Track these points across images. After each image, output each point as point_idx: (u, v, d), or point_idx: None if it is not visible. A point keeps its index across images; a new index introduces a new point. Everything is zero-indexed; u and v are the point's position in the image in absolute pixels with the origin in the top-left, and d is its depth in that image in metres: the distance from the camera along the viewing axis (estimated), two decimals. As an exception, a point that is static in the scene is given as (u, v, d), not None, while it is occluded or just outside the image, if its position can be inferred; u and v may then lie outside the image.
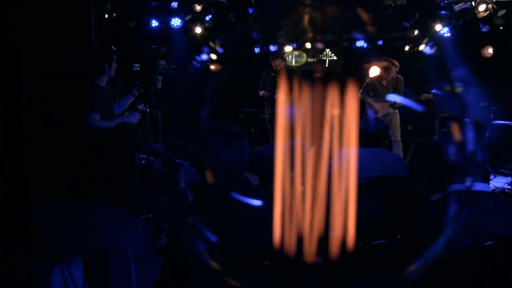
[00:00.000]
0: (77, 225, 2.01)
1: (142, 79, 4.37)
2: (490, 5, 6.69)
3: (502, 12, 6.96)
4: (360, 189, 2.87)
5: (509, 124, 8.16)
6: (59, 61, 4.45)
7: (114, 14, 6.93)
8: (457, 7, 6.80)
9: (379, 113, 7.39)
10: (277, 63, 6.18)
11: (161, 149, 4.30)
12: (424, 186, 3.28)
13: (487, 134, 7.97)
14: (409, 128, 9.45)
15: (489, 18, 7.56)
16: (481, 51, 8.98)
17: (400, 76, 7.47)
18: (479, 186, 2.26)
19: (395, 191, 3.18)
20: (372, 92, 7.50)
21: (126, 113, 4.52)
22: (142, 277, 1.87)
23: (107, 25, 6.87)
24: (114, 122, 4.18)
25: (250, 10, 7.98)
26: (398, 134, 7.47)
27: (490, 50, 8.87)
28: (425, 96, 7.50)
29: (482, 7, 6.64)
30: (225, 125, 2.06)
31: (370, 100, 7.46)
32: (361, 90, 7.53)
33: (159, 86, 4.38)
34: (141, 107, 4.36)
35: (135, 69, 4.38)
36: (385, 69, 7.31)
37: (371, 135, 3.50)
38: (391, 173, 3.32)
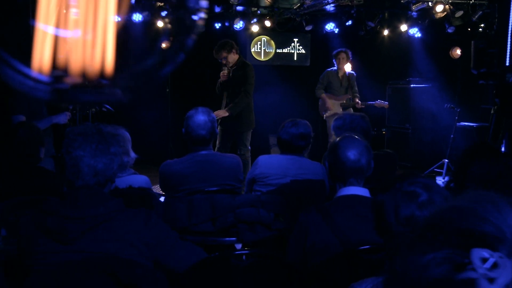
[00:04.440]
0: None
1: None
2: (447, 6, 6.62)
3: (459, 13, 6.89)
4: (262, 196, 2.75)
5: (473, 125, 8.11)
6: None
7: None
8: (415, 8, 6.73)
9: (329, 112, 7.31)
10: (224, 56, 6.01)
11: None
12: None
13: (452, 136, 7.91)
14: (383, 132, 9.43)
15: (461, 19, 7.50)
16: (449, 52, 8.92)
17: (352, 72, 7.41)
18: (358, 191, 2.19)
19: (306, 195, 3.11)
20: (327, 87, 7.43)
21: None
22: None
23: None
24: (41, 123, 4.10)
25: (217, 9, 7.89)
26: None
27: (458, 51, 8.81)
28: (380, 104, 7.52)
29: (439, 8, 6.57)
30: (86, 126, 1.97)
31: (324, 95, 7.37)
32: (317, 86, 7.48)
33: (91, 84, 4.28)
34: (71, 106, 4.27)
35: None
36: (334, 57, 7.28)
37: (288, 143, 3.43)
38: (306, 178, 3.25)
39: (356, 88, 7.46)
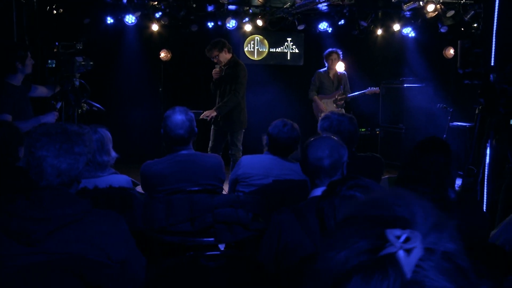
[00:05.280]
0: None
1: (58, 77, 4.27)
2: (438, 6, 6.61)
3: (451, 13, 6.88)
4: (241, 197, 2.74)
5: (466, 125, 8.09)
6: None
7: (61, 10, 6.80)
8: (406, 7, 6.71)
9: (324, 113, 7.32)
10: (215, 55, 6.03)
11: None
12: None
13: (444, 136, 7.90)
14: (377, 132, 9.42)
15: (452, 19, 7.47)
16: (443, 52, 8.90)
17: (343, 72, 7.42)
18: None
19: (288, 195, 3.09)
20: (319, 88, 7.43)
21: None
22: None
23: (53, 21, 6.75)
24: (28, 123, 4.08)
25: (209, 8, 7.87)
26: None
27: (452, 51, 8.80)
28: (371, 90, 7.54)
29: (430, 7, 6.55)
30: (50, 126, 1.95)
31: (316, 98, 7.38)
32: (310, 87, 7.48)
33: (77, 83, 4.27)
34: (58, 105, 4.25)
35: (50, 66, 4.27)
36: (325, 58, 7.31)
37: (280, 145, 3.42)
38: (288, 178, 3.24)
39: (349, 88, 7.45)
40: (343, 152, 2.21)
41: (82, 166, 1.93)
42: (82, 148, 1.93)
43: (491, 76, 3.41)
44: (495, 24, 3.48)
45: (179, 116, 3.07)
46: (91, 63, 4.40)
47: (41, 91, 4.49)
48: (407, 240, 0.66)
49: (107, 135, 3.08)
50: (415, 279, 0.64)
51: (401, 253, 0.65)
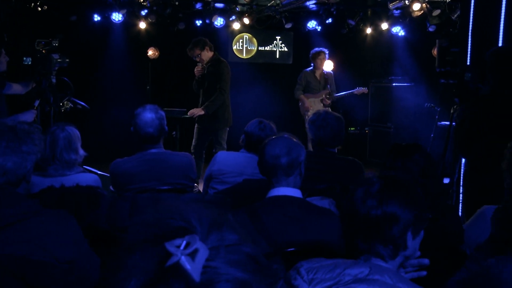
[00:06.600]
0: None
1: (35, 74, 4.23)
2: (424, 5, 6.58)
3: (437, 12, 6.85)
4: (207, 196, 2.71)
5: (454, 125, 8.06)
6: None
7: (46, 7, 6.75)
8: (392, 6, 6.69)
9: (310, 112, 7.28)
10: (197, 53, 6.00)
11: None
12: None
13: (432, 135, 7.87)
14: (366, 131, 9.40)
15: (438, 18, 7.44)
16: (432, 51, 8.87)
17: (329, 71, 7.42)
18: (288, 191, 2.15)
19: (258, 195, 3.06)
20: (306, 87, 7.41)
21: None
22: None
23: (38, 18, 6.72)
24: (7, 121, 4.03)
25: (198, 6, 7.83)
26: None
27: (441, 50, 8.76)
28: (359, 91, 7.53)
29: (416, 6, 6.53)
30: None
31: (303, 97, 7.36)
32: (296, 87, 7.46)
33: (54, 81, 4.24)
34: (36, 103, 4.21)
35: (26, 63, 4.24)
36: (312, 57, 7.29)
37: (256, 142, 3.38)
38: (262, 177, 3.21)
39: (335, 87, 7.43)
40: (300, 151, 2.18)
41: (30, 165, 1.90)
42: (30, 147, 1.89)
43: (465, 75, 3.40)
44: (470, 23, 3.46)
45: (149, 114, 3.03)
46: (67, 60, 4.37)
47: (16, 88, 4.45)
48: (187, 245, 0.68)
49: (75, 133, 3.05)
50: (205, 279, 0.67)
51: (183, 259, 0.67)
